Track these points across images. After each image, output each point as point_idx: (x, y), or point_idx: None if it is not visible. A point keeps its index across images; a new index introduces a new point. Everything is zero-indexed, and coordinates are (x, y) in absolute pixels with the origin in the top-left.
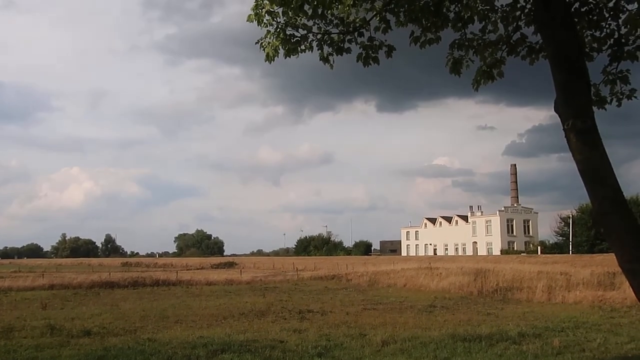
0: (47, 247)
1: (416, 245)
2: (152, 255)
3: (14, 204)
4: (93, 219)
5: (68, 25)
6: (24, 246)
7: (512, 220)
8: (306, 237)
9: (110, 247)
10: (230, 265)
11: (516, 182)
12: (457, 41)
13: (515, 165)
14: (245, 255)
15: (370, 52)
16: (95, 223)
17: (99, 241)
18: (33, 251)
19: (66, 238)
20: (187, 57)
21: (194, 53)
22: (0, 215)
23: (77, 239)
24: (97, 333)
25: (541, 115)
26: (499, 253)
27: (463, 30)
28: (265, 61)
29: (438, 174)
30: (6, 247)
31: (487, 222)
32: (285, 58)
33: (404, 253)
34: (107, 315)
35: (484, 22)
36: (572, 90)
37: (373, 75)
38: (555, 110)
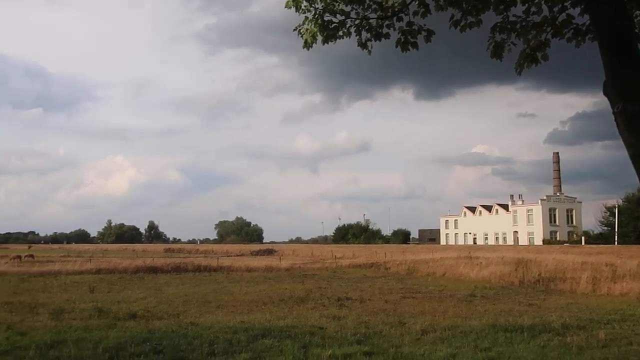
0: (93, 233)
1: (455, 234)
2: (193, 241)
3: (63, 191)
4: (136, 206)
5: (112, 17)
6: (72, 232)
7: (554, 210)
8: (344, 225)
9: (153, 234)
10: (269, 252)
11: (559, 170)
12: (499, 24)
13: (557, 153)
14: (283, 242)
15: (409, 37)
16: (139, 210)
17: (142, 227)
18: (80, 236)
19: (111, 224)
20: (226, 47)
21: (233, 42)
22: (50, 201)
23: (122, 225)
24: (142, 316)
25: (585, 102)
26: (540, 243)
27: (505, 13)
28: (304, 48)
29: (477, 162)
30: (56, 233)
31: (528, 211)
32: (323, 44)
33: (442, 242)
34: (151, 299)
35: (527, 4)
36: (622, 72)
37: (410, 62)
38: (605, 94)
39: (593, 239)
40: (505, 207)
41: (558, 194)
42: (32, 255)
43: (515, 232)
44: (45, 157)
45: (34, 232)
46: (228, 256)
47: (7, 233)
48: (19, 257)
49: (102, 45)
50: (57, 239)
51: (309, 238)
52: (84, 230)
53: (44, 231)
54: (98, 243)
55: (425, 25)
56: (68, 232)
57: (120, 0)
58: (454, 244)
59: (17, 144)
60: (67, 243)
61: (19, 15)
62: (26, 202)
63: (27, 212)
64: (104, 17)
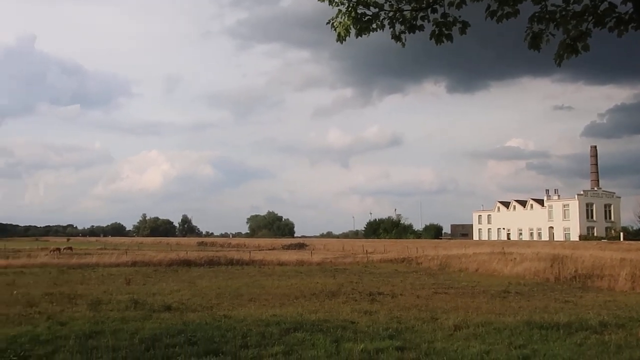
0: (129, 226)
1: (488, 229)
2: (225, 235)
3: (99, 186)
4: (170, 200)
5: (145, 14)
6: (108, 225)
7: (592, 205)
8: (375, 219)
9: (187, 227)
10: (300, 246)
11: (597, 164)
12: (537, 14)
13: (595, 147)
14: (315, 237)
15: (444, 29)
16: (173, 204)
17: (176, 221)
18: (116, 230)
19: (146, 218)
20: (257, 42)
21: (264, 37)
22: (87, 195)
23: (156, 219)
24: (176, 308)
25: (624, 94)
26: (577, 239)
27: (544, 2)
28: (337, 41)
29: (511, 156)
30: (93, 226)
31: (564, 206)
32: (356, 37)
33: (475, 237)
34: (185, 292)
35: None
36: None
37: (443, 54)
38: None
39: (632, 235)
40: (541, 202)
41: (595, 189)
42: (70, 248)
43: (551, 227)
44: (82, 152)
45: (72, 225)
46: (260, 250)
47: (47, 226)
48: (59, 249)
49: (136, 41)
50: (94, 232)
51: (340, 232)
52: (119, 223)
53: (82, 224)
54: (133, 236)
55: (460, 16)
56: (104, 225)
57: None
58: (487, 239)
59: (55, 139)
60: (104, 236)
61: (56, 13)
62: (64, 196)
63: (65, 205)
64: (138, 13)
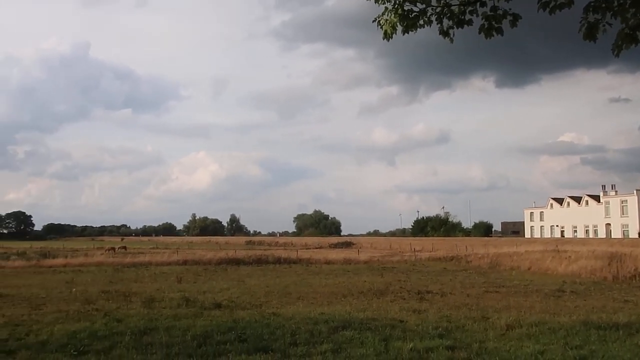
0: (179, 226)
1: (541, 226)
2: (273, 234)
3: (151, 186)
4: (219, 200)
5: (192, 18)
6: (159, 225)
7: None
8: (423, 217)
9: (235, 227)
10: (347, 245)
11: None
12: (592, 3)
13: None
14: (361, 235)
15: (494, 22)
16: (221, 203)
17: (224, 221)
18: (167, 229)
19: (196, 218)
20: (302, 42)
21: (309, 37)
22: (139, 196)
23: (205, 218)
24: (226, 306)
25: None
26: (636, 236)
27: None
28: (383, 39)
29: (565, 152)
30: (145, 226)
31: (622, 202)
32: (403, 35)
33: (527, 235)
34: (234, 290)
35: None
36: None
37: (492, 48)
38: None
39: None
40: (597, 198)
41: None
42: (124, 247)
43: (608, 224)
44: (134, 155)
45: (125, 225)
46: (307, 248)
47: (101, 226)
48: (113, 248)
49: (184, 45)
50: (146, 231)
51: (387, 231)
52: (170, 223)
53: (135, 224)
54: (183, 235)
55: (510, 9)
56: (156, 225)
57: (200, 1)
58: (539, 237)
59: (109, 142)
60: (156, 235)
61: (108, 20)
62: (118, 197)
63: (119, 206)
64: (184, 18)
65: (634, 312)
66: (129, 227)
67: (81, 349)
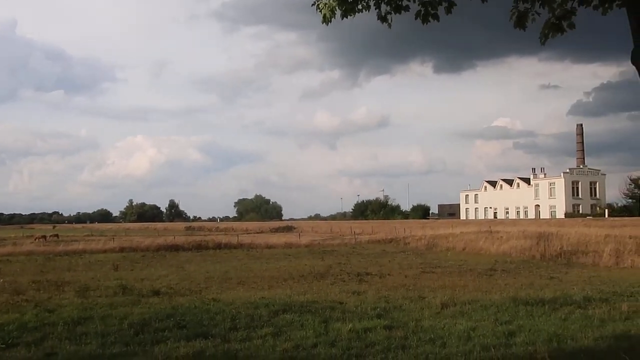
0: (115, 212)
1: (475, 208)
2: (213, 219)
3: (85, 172)
4: (157, 185)
5: None
6: (95, 211)
7: (577, 183)
8: (363, 201)
9: (174, 212)
10: (288, 229)
11: (582, 142)
12: None
13: (581, 125)
14: (303, 219)
15: (430, 8)
16: (160, 189)
17: (163, 206)
18: (103, 216)
19: (133, 204)
20: (244, 24)
21: (251, 20)
22: (73, 182)
23: (143, 204)
24: (165, 293)
25: (610, 72)
26: (563, 216)
27: None
28: (322, 23)
29: (498, 136)
30: (79, 213)
31: (550, 184)
32: (342, 19)
33: (463, 217)
34: (173, 277)
35: None
36: None
37: (430, 34)
38: (633, 62)
39: (617, 211)
40: (527, 180)
41: (581, 167)
42: (56, 235)
43: (537, 205)
44: (67, 139)
45: (58, 212)
46: (248, 233)
47: (32, 213)
48: (44, 236)
49: (120, 25)
50: (80, 218)
51: (328, 214)
52: (106, 209)
53: (68, 211)
54: (120, 222)
55: None
56: (91, 211)
57: None
58: (474, 218)
59: (40, 126)
60: (90, 223)
61: None
62: (50, 183)
63: (51, 192)
64: None
65: (558, 288)
66: (62, 214)
67: (9, 341)
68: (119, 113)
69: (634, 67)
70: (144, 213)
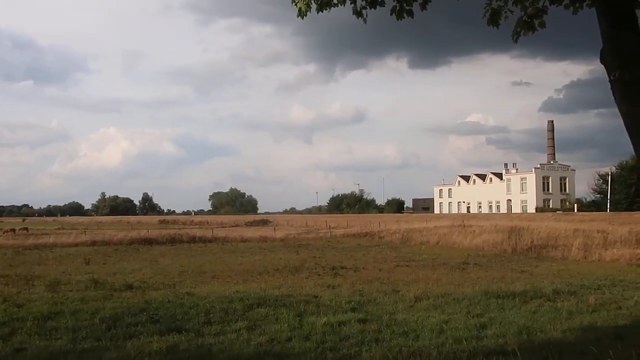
0: (87, 205)
1: (449, 203)
2: (188, 213)
3: (56, 164)
4: (130, 178)
5: None
6: (65, 204)
7: (548, 178)
8: (338, 195)
9: (148, 205)
10: (264, 223)
11: (553, 138)
12: None
13: (552, 121)
14: (278, 213)
15: (404, 4)
16: (133, 182)
17: (136, 199)
18: (74, 209)
19: (105, 197)
20: (218, 16)
21: (226, 12)
22: (43, 174)
23: (115, 197)
24: (138, 287)
25: (580, 70)
26: (534, 211)
27: None
28: (298, 16)
29: (471, 131)
30: (49, 205)
31: (522, 179)
32: (317, 13)
33: (436, 211)
34: (147, 271)
35: None
36: (619, 39)
37: (405, 30)
38: (601, 61)
39: (586, 206)
40: (499, 175)
41: (552, 162)
42: (26, 229)
43: (509, 200)
44: (37, 130)
45: (27, 205)
46: (223, 227)
47: (0, 206)
48: (13, 230)
49: (93, 15)
50: (51, 211)
51: (304, 208)
52: (77, 202)
53: (38, 204)
54: (92, 215)
55: None
56: (62, 204)
57: None
58: (447, 212)
59: (8, 116)
60: (61, 216)
61: None
62: (19, 175)
63: (20, 185)
64: None
65: (529, 282)
66: (32, 207)
67: None
68: (91, 104)
69: (602, 66)
70: (116, 206)
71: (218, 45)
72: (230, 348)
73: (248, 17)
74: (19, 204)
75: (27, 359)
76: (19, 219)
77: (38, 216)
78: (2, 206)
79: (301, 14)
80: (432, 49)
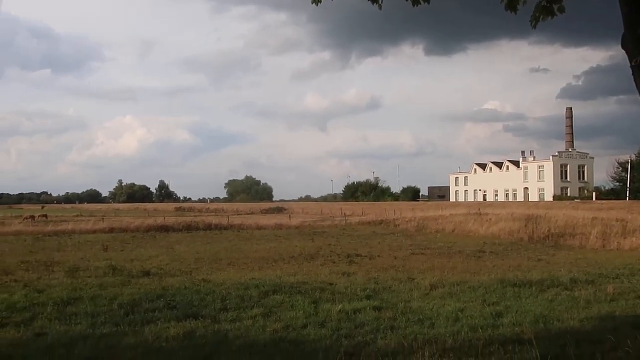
0: (104, 193)
1: (465, 191)
2: (203, 200)
3: (74, 152)
4: (147, 166)
5: None
6: (83, 192)
7: (565, 166)
8: (353, 182)
9: (164, 193)
10: (279, 210)
11: (571, 126)
12: None
13: (570, 108)
14: (293, 200)
15: None
16: (149, 169)
17: (153, 187)
18: (92, 196)
19: (122, 184)
20: (233, 4)
21: None
22: (61, 162)
23: (132, 184)
24: (155, 273)
25: (599, 56)
26: (551, 199)
27: None
28: (312, 3)
29: (488, 119)
30: (68, 193)
31: (539, 167)
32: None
33: (452, 199)
34: (163, 257)
35: None
36: None
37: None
38: (623, 47)
39: (604, 194)
40: (516, 163)
41: (570, 150)
42: (45, 215)
43: (526, 188)
44: (55, 118)
45: (46, 193)
46: (238, 214)
47: (20, 194)
48: (33, 217)
49: (108, 4)
50: (69, 199)
51: (319, 196)
52: (95, 190)
53: (56, 191)
54: (109, 203)
55: None
56: (80, 192)
57: None
58: (463, 200)
59: (26, 105)
60: (79, 203)
61: None
62: (38, 163)
63: (39, 172)
64: None
65: (545, 270)
66: (50, 194)
67: None
68: (107, 92)
69: (623, 52)
70: (133, 193)
71: (232, 33)
72: (246, 334)
73: (262, 5)
74: (38, 192)
75: (48, 343)
76: (38, 206)
77: (57, 203)
78: (22, 193)
79: (315, 0)
80: (448, 36)
